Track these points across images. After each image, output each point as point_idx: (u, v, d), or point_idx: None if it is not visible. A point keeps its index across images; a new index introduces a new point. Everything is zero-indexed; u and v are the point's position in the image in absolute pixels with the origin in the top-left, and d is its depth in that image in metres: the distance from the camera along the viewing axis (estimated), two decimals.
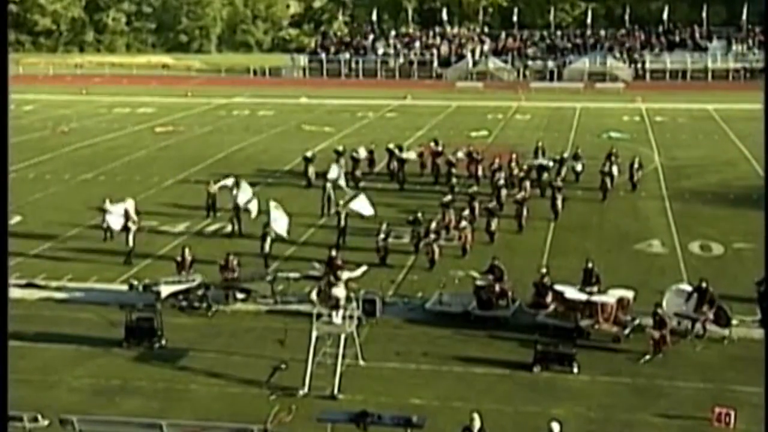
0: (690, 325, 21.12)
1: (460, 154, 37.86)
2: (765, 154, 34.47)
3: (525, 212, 30.51)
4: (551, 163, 36.93)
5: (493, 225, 29.03)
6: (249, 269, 24.70)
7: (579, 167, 37.07)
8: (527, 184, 33.76)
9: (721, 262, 27.43)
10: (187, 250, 24.60)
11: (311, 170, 37.21)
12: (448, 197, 30.70)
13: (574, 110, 61.76)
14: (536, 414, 17.29)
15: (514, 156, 37.35)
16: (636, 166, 36.67)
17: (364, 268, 23.71)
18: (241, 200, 29.94)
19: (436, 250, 26.62)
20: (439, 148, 38.57)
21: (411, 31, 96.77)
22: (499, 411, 17.43)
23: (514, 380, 19.03)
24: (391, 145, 39.17)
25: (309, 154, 38.08)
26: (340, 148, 38.79)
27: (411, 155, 38.67)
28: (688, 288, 21.98)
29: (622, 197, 35.07)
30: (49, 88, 77.35)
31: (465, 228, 27.86)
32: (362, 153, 38.64)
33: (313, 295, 21.36)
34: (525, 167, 36.00)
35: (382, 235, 27.00)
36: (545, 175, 35.73)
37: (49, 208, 34.07)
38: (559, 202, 31.96)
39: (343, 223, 28.77)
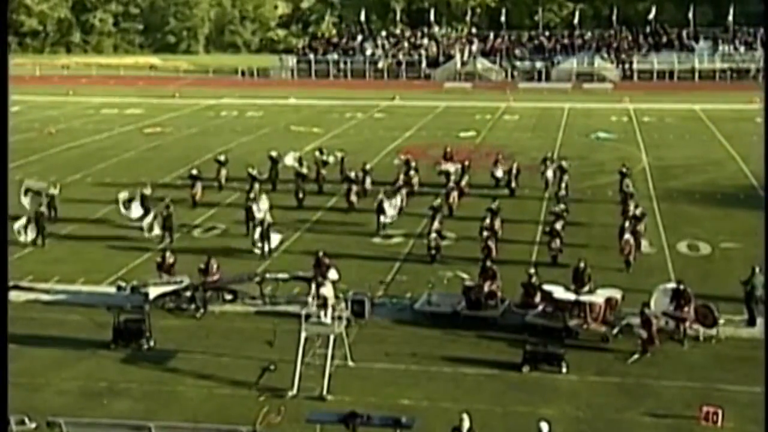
0: (676, 324, 21.20)
1: (396, 161, 37.16)
2: (765, 154, 34.43)
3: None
4: (552, 171, 36.19)
5: (497, 224, 28.97)
6: (234, 271, 24.68)
7: (499, 173, 36.38)
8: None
9: (709, 261, 27.53)
10: (168, 253, 24.59)
11: (223, 173, 36.45)
12: (437, 201, 30.68)
13: (562, 110, 61.86)
14: (525, 414, 17.33)
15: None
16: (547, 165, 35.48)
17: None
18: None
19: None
20: (324, 158, 37.65)
21: (399, 31, 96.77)
22: (488, 411, 17.46)
23: (503, 380, 19.06)
24: (273, 153, 37.71)
25: (222, 158, 37.12)
26: (274, 154, 37.53)
27: (288, 160, 37.32)
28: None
29: (611, 197, 35.06)
30: (36, 89, 76.72)
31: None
32: (289, 161, 37.49)
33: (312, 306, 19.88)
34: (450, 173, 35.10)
35: (433, 235, 27.06)
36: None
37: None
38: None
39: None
